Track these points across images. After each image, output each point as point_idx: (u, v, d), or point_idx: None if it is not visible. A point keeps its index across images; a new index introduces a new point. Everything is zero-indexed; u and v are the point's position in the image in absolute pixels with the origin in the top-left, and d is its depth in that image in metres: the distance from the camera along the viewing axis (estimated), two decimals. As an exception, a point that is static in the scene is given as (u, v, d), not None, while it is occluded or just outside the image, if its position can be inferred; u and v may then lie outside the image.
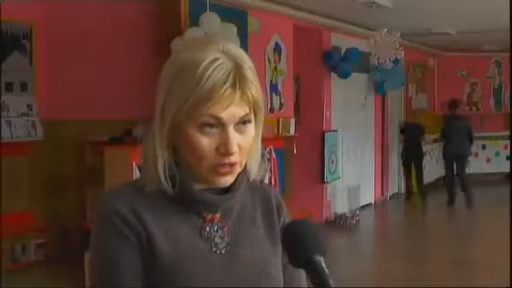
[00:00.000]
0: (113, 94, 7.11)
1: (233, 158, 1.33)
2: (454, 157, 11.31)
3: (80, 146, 7.17)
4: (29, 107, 7.09)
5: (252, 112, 1.35)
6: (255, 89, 1.34)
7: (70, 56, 7.33)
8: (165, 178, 1.34)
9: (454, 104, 11.57)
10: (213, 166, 1.33)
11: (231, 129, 1.32)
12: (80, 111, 7.17)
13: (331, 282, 1.19)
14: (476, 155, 14.68)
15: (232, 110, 1.31)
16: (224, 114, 1.30)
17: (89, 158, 7.08)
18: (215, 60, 1.31)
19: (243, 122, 1.33)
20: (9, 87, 7.01)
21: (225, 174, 1.34)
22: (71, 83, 7.30)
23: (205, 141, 1.31)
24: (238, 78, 1.31)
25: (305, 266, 1.22)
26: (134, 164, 5.26)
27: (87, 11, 7.17)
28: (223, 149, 1.31)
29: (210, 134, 1.31)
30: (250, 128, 1.35)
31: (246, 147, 1.35)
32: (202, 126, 1.31)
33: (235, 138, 1.32)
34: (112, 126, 6.81)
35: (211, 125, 1.31)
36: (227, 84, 1.30)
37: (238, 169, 1.36)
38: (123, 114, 6.81)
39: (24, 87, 7.18)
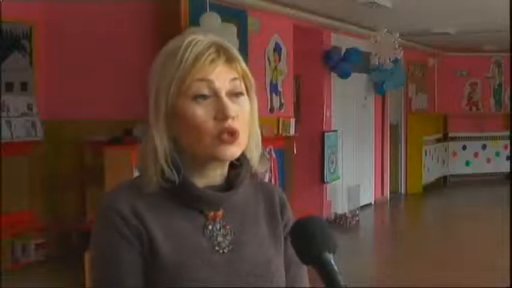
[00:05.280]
0: (113, 94, 7.11)
1: (233, 124, 1.31)
2: None
3: (80, 146, 7.17)
4: (29, 107, 7.09)
5: (243, 83, 1.36)
6: (241, 62, 1.36)
7: (70, 56, 7.33)
8: (168, 167, 1.32)
9: None
10: (215, 136, 1.31)
11: (224, 96, 1.32)
12: (80, 111, 7.17)
13: (341, 279, 1.18)
14: (476, 155, 14.69)
15: (220, 73, 1.32)
16: (213, 77, 1.31)
17: (89, 158, 7.07)
18: (194, 39, 1.35)
19: (235, 94, 1.34)
20: (9, 87, 7.01)
21: (229, 142, 1.31)
22: (70, 83, 7.30)
23: (201, 112, 1.31)
24: (220, 48, 1.34)
25: (315, 263, 1.20)
26: (134, 164, 5.25)
27: (87, 11, 7.17)
28: (221, 115, 1.31)
29: (205, 105, 1.31)
30: (244, 99, 1.35)
31: (243, 117, 1.34)
32: (196, 98, 1.31)
33: (231, 104, 1.32)
34: (112, 126, 6.81)
35: (205, 96, 1.31)
36: (210, 50, 1.33)
37: (241, 140, 1.33)
38: (123, 114, 6.80)
39: (24, 87, 7.18)
